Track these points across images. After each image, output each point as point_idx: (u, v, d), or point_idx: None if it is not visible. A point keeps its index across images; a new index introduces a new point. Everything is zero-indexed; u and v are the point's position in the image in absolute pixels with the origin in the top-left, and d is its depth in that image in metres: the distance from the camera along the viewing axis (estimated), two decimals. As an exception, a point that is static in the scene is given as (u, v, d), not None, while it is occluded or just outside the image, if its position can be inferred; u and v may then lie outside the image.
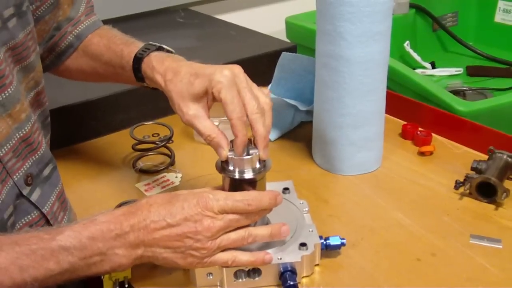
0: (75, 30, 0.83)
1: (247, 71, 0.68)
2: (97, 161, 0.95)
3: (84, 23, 0.84)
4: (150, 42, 0.77)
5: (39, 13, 0.78)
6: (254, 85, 0.67)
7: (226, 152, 0.65)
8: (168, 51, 0.77)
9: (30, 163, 0.68)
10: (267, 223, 0.70)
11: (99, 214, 0.62)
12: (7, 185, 0.64)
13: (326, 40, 0.82)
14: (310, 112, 0.96)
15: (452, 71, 1.52)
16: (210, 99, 0.67)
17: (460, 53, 1.62)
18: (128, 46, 0.78)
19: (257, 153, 0.65)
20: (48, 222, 0.69)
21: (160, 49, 0.76)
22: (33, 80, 0.72)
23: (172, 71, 0.69)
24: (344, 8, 0.78)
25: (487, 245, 0.72)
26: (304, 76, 0.95)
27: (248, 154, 0.65)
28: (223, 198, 0.62)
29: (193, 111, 0.66)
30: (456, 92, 1.36)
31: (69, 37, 0.83)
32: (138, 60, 0.74)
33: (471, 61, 1.58)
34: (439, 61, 1.56)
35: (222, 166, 0.66)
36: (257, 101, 0.65)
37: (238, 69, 0.66)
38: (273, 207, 0.66)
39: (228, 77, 0.64)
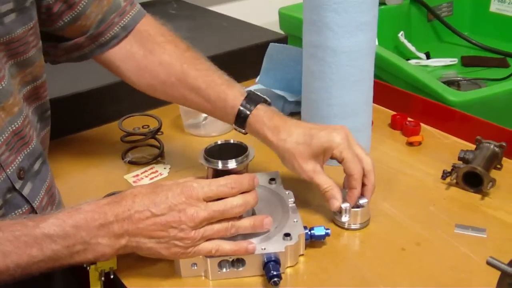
0: (122, 21, 0.81)
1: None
2: (87, 153, 0.95)
3: (130, 13, 0.82)
4: (248, 90, 0.80)
5: (80, 8, 0.77)
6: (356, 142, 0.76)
7: (339, 203, 0.73)
8: (265, 100, 0.79)
9: (22, 157, 0.68)
10: (252, 214, 0.70)
11: (84, 203, 0.62)
12: None
13: (313, 30, 0.82)
14: (299, 103, 0.96)
15: (447, 61, 1.52)
16: (326, 157, 0.74)
17: (455, 43, 1.61)
18: (231, 88, 0.79)
19: (367, 203, 0.73)
20: None
21: (259, 99, 0.78)
22: (30, 74, 0.72)
23: (284, 130, 0.75)
24: (330, -2, 0.78)
25: (471, 234, 0.72)
26: (292, 66, 0.95)
27: (358, 205, 0.73)
28: (207, 184, 0.64)
29: (312, 167, 0.74)
30: (450, 83, 1.36)
31: (116, 28, 0.81)
32: (244, 112, 0.77)
33: (466, 51, 1.57)
34: (434, 51, 1.55)
35: (205, 157, 0.67)
36: (368, 157, 0.74)
37: (347, 130, 0.74)
38: (252, 188, 0.66)
39: (345, 139, 0.73)
